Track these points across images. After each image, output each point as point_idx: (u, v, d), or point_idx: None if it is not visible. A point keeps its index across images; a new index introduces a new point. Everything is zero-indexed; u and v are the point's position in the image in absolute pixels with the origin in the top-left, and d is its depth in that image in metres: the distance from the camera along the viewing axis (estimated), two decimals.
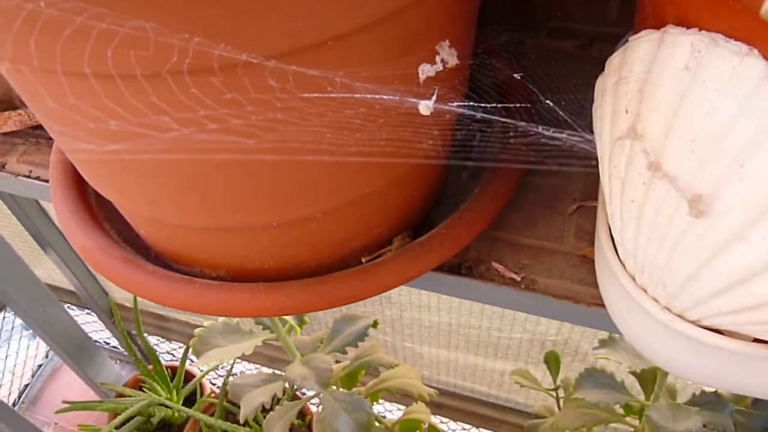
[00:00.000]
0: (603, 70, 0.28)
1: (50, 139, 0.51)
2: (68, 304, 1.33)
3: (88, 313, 1.36)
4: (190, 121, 0.21)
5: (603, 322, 0.37)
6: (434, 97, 0.22)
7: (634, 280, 0.29)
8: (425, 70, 0.22)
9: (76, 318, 1.22)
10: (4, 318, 1.32)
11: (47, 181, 0.49)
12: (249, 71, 0.20)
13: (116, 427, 1.08)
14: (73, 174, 0.42)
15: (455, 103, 0.23)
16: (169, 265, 0.39)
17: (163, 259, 0.39)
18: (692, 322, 0.27)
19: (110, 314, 1.28)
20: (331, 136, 0.23)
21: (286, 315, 0.34)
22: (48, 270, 1.24)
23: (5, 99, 0.50)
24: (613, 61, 0.28)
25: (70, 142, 0.27)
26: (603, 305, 0.37)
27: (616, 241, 0.30)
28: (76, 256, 1.17)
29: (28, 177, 0.49)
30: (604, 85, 0.28)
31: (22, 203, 1.02)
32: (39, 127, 0.51)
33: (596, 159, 0.30)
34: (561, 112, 0.26)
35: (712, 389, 0.70)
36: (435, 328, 0.97)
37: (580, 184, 0.44)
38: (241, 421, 0.82)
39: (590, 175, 0.43)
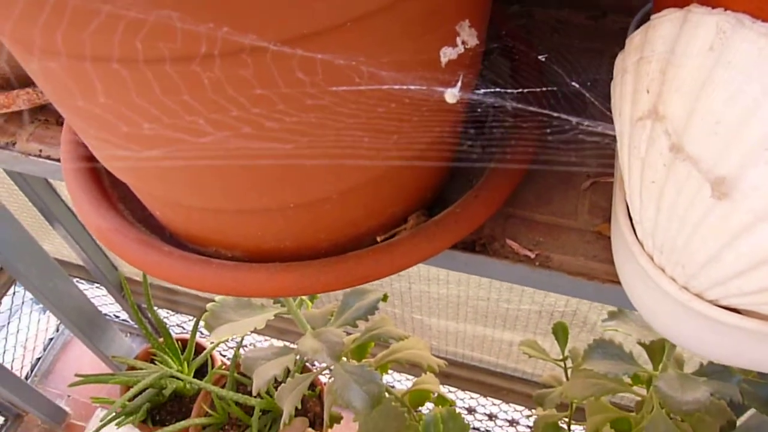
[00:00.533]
0: (617, 42, 0.28)
1: (60, 117, 0.51)
2: (77, 279, 1.34)
3: (97, 287, 1.37)
4: (224, 124, 0.21)
5: (617, 298, 0.38)
6: (459, 84, 0.21)
7: (652, 259, 0.29)
8: (447, 53, 0.22)
9: (85, 292, 1.23)
10: (14, 293, 1.33)
11: (57, 160, 0.49)
12: (276, 61, 0.20)
13: (129, 400, 1.09)
14: (85, 154, 0.42)
15: (482, 91, 0.22)
16: (184, 245, 0.39)
17: (178, 239, 0.39)
18: (710, 302, 0.27)
19: (120, 288, 1.29)
20: (366, 138, 0.23)
21: (303, 295, 0.34)
22: (56, 245, 1.25)
23: (14, 77, 0.50)
24: (635, 40, 0.27)
25: (107, 149, 0.27)
26: (617, 282, 0.37)
27: (634, 221, 0.30)
28: (85, 231, 1.18)
29: (39, 156, 0.49)
30: (625, 63, 0.28)
31: (29, 179, 1.02)
32: (48, 106, 0.51)
33: (610, 136, 0.30)
34: (587, 94, 0.25)
35: None
36: (444, 300, 0.97)
37: (593, 159, 0.44)
38: (254, 394, 0.84)
39: (604, 151, 0.42)
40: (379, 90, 0.21)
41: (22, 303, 1.37)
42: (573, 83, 0.26)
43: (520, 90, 0.23)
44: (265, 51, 0.19)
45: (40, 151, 0.49)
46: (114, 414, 1.09)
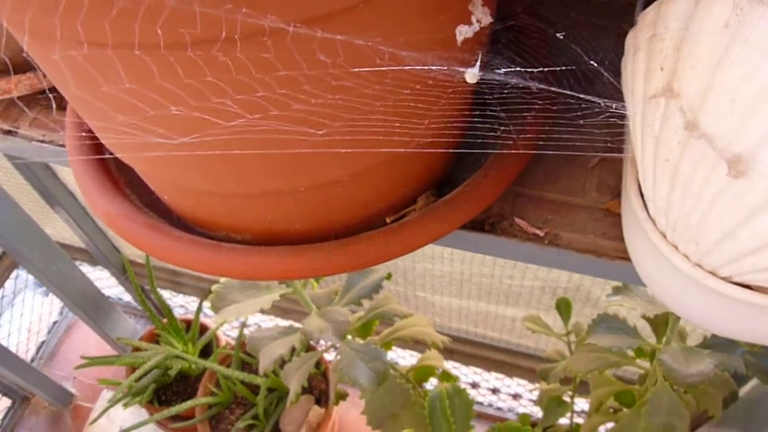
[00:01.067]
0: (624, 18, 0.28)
1: (62, 102, 0.50)
2: (80, 262, 1.34)
3: (100, 270, 1.37)
4: (252, 105, 0.21)
5: (627, 274, 0.38)
6: (478, 64, 0.21)
7: (664, 237, 0.29)
8: (463, 32, 0.22)
9: (88, 275, 1.24)
10: (17, 276, 1.34)
11: (61, 145, 0.48)
12: (297, 42, 0.20)
13: (135, 381, 1.10)
14: (90, 139, 0.41)
15: (502, 70, 0.22)
16: (193, 228, 0.39)
17: (187, 223, 0.39)
18: (723, 278, 0.27)
19: (123, 270, 1.29)
20: (394, 121, 0.22)
21: (314, 277, 0.34)
22: (58, 228, 1.25)
23: (12, 64, 0.49)
24: (647, 16, 0.27)
25: (136, 138, 0.27)
26: (627, 258, 0.37)
27: (646, 198, 0.30)
28: (86, 214, 1.18)
29: (42, 142, 0.48)
30: (637, 40, 0.28)
31: (30, 163, 1.02)
32: (50, 90, 0.50)
33: (618, 112, 0.30)
34: (605, 73, 0.25)
35: None
36: (447, 277, 0.98)
37: (601, 136, 0.44)
38: (261, 373, 0.84)
39: (612, 128, 0.42)
40: (401, 71, 0.21)
41: (25, 287, 1.38)
42: (591, 62, 0.26)
43: (539, 69, 0.23)
44: (284, 33, 0.19)
45: (44, 136, 0.48)
46: (120, 395, 1.10)
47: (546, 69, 0.23)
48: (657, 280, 0.31)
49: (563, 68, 0.25)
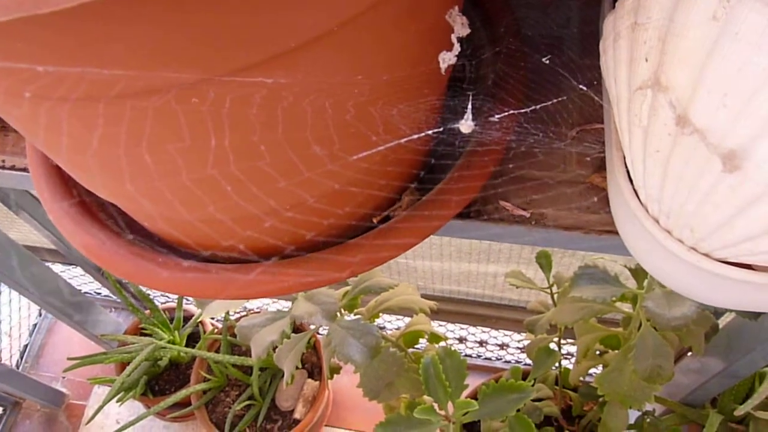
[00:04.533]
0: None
1: None
2: (52, 262, 1.31)
3: (73, 268, 1.35)
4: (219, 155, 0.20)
5: (615, 248, 0.38)
6: (470, 111, 0.20)
7: (657, 222, 0.29)
8: (446, 59, 0.21)
9: (62, 274, 1.21)
10: None
11: (23, 169, 0.46)
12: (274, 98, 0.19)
13: (128, 375, 1.10)
14: (54, 165, 0.40)
15: (496, 117, 0.21)
16: (177, 249, 0.38)
17: (169, 244, 0.38)
18: (718, 260, 0.27)
19: (97, 267, 1.26)
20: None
21: (309, 290, 0.33)
22: (24, 232, 1.21)
23: None
24: (626, 2, 0.26)
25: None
26: (614, 232, 0.37)
27: (636, 185, 0.29)
28: None
29: (2, 168, 0.46)
30: (617, 27, 0.27)
31: None
32: None
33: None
34: (595, 97, 0.25)
35: None
36: (427, 241, 0.98)
37: (575, 108, 0.43)
38: (254, 360, 0.84)
39: (584, 99, 0.42)
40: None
41: None
42: (580, 86, 0.25)
43: (531, 108, 0.22)
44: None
45: (3, 161, 0.46)
46: (114, 392, 1.09)
47: (538, 106, 0.23)
48: (650, 261, 0.31)
49: (554, 101, 0.24)
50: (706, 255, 0.27)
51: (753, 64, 0.21)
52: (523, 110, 0.23)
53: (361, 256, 0.34)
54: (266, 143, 0.21)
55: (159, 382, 1.23)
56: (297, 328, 1.09)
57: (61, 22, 0.17)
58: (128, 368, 1.07)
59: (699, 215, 0.26)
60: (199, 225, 0.33)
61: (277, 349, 0.87)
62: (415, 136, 0.20)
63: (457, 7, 0.23)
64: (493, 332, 1.23)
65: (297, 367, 0.97)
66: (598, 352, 0.96)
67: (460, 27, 0.22)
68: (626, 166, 0.30)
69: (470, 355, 1.30)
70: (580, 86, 0.25)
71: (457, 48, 0.21)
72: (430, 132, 0.26)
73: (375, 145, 0.20)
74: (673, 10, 0.23)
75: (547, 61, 0.26)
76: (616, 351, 0.89)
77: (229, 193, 0.27)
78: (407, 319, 0.99)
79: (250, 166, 0.22)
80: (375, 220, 0.37)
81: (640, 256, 0.32)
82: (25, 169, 0.45)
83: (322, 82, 0.20)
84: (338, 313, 0.88)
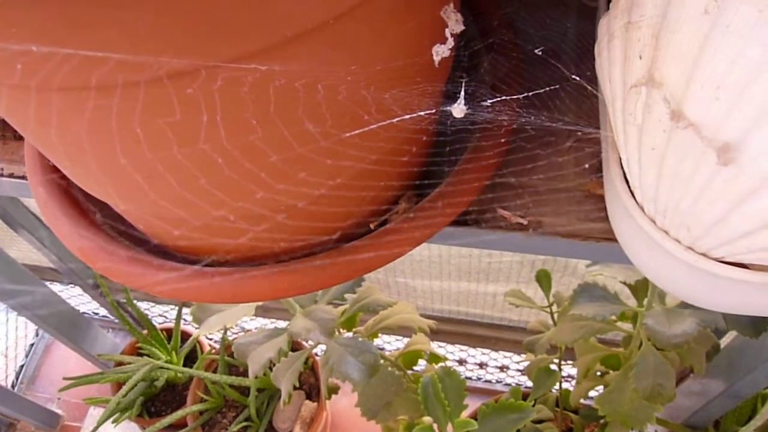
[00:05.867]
0: None
1: (16, 133, 0.48)
2: (51, 282, 1.31)
3: (72, 287, 1.34)
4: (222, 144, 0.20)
5: (614, 255, 0.38)
6: (462, 96, 0.21)
7: (654, 223, 0.29)
8: (440, 51, 0.21)
9: (60, 294, 1.20)
10: None
11: (22, 177, 0.47)
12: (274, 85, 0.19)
13: (123, 396, 1.08)
14: (52, 170, 0.40)
15: (488, 101, 0.22)
16: (173, 254, 0.38)
17: (165, 248, 0.38)
18: (715, 259, 0.27)
19: (95, 286, 1.26)
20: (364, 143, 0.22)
21: (305, 293, 0.33)
22: (23, 250, 1.21)
23: None
24: (620, 2, 0.27)
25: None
26: (612, 239, 0.37)
27: (631, 185, 0.30)
28: (51, 234, 1.14)
29: (1, 176, 0.46)
30: (611, 27, 0.27)
31: None
32: (2, 121, 0.48)
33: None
34: (588, 86, 0.25)
35: None
36: (426, 261, 0.98)
37: (571, 114, 0.43)
38: (251, 378, 0.83)
39: (581, 105, 0.42)
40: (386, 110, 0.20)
41: None
42: (573, 77, 0.25)
43: (524, 95, 0.23)
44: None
45: (2, 169, 0.46)
46: (109, 413, 1.08)
47: (531, 93, 0.23)
48: (647, 264, 0.31)
49: (547, 89, 0.25)
50: (703, 255, 0.27)
51: (745, 56, 0.21)
52: (514, 97, 0.23)
53: (357, 259, 0.34)
54: (259, 120, 0.21)
55: (155, 403, 1.21)
56: (294, 348, 1.08)
57: (53, 7, 0.17)
58: (124, 388, 1.06)
59: (694, 212, 0.26)
60: (202, 227, 0.33)
61: (274, 368, 0.86)
62: (407, 116, 0.20)
63: (452, 4, 0.24)
64: (493, 354, 1.22)
65: (294, 388, 0.97)
66: (599, 374, 0.95)
67: (455, 23, 0.22)
68: (622, 168, 0.30)
69: (470, 378, 1.29)
70: (573, 77, 0.25)
71: (451, 42, 0.21)
72: (426, 127, 0.26)
73: (367, 123, 0.20)
74: (666, 6, 0.24)
75: (540, 53, 0.26)
76: (617, 372, 0.88)
77: (222, 169, 0.27)
78: (406, 340, 0.98)
79: (243, 143, 0.22)
80: (372, 226, 0.37)
81: (637, 259, 0.32)
82: (23, 177, 0.45)
83: (316, 70, 0.20)
84: (336, 331, 0.88)
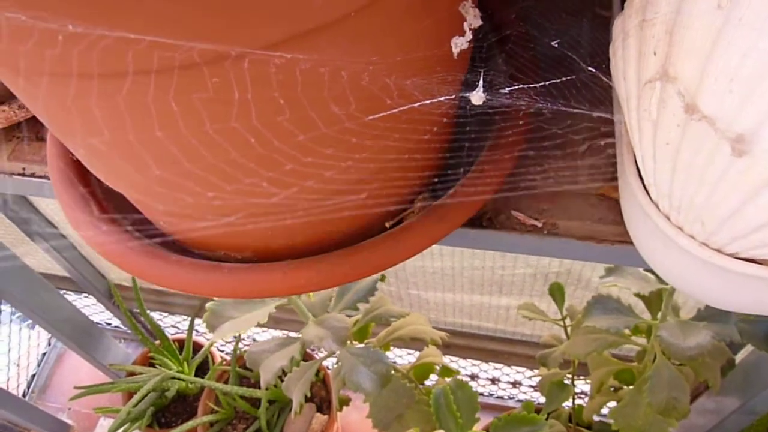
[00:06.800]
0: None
1: (39, 132, 0.49)
2: (65, 291, 1.32)
3: (86, 297, 1.35)
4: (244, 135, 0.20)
5: (628, 258, 0.38)
6: (481, 84, 0.21)
7: (668, 219, 0.29)
8: (458, 43, 0.22)
9: (74, 303, 1.21)
10: (0, 312, 1.31)
11: (42, 177, 0.47)
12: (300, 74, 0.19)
13: (133, 406, 1.09)
14: (74, 167, 0.40)
15: (506, 89, 0.22)
16: (189, 250, 0.38)
17: (183, 244, 0.39)
18: (729, 255, 0.27)
19: (109, 296, 1.27)
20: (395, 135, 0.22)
21: (320, 290, 0.34)
22: (39, 258, 1.22)
23: None
24: (635, 2, 0.27)
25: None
26: (627, 242, 0.37)
27: (646, 183, 0.30)
28: (68, 242, 1.16)
29: (23, 175, 0.47)
30: (625, 26, 0.28)
31: (5, 196, 0.99)
32: (24, 123, 0.49)
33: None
34: (604, 77, 0.25)
35: None
36: (439, 273, 0.98)
37: (586, 120, 0.44)
38: (263, 387, 0.83)
39: (597, 95, 0.42)
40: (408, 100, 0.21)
41: (11, 321, 1.35)
42: (589, 68, 0.25)
43: (541, 84, 0.23)
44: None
45: (24, 169, 0.47)
46: (119, 423, 1.08)
47: (547, 83, 0.23)
48: (662, 262, 0.31)
49: (563, 79, 0.25)
50: (718, 251, 0.28)
51: (758, 49, 0.21)
52: (532, 85, 0.23)
53: (373, 257, 0.34)
54: (286, 100, 0.21)
55: (166, 414, 1.22)
56: (306, 359, 1.08)
57: None
58: (135, 398, 1.06)
59: (709, 206, 0.26)
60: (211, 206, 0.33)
61: (286, 378, 0.86)
62: (428, 102, 0.21)
63: (470, 0, 0.24)
64: (506, 369, 1.22)
65: (306, 399, 0.96)
66: (612, 389, 0.94)
67: (473, 18, 0.23)
68: (637, 167, 0.30)
69: (482, 393, 1.28)
70: (589, 68, 0.26)
71: (469, 35, 0.22)
72: (442, 118, 0.26)
73: (390, 108, 0.20)
74: (680, 3, 0.24)
75: (556, 45, 0.27)
76: (631, 387, 0.88)
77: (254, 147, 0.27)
78: (418, 354, 0.98)
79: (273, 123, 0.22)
80: (387, 225, 0.37)
81: (652, 258, 0.32)
82: (45, 177, 0.46)
83: (338, 60, 0.21)
84: (348, 342, 0.88)
